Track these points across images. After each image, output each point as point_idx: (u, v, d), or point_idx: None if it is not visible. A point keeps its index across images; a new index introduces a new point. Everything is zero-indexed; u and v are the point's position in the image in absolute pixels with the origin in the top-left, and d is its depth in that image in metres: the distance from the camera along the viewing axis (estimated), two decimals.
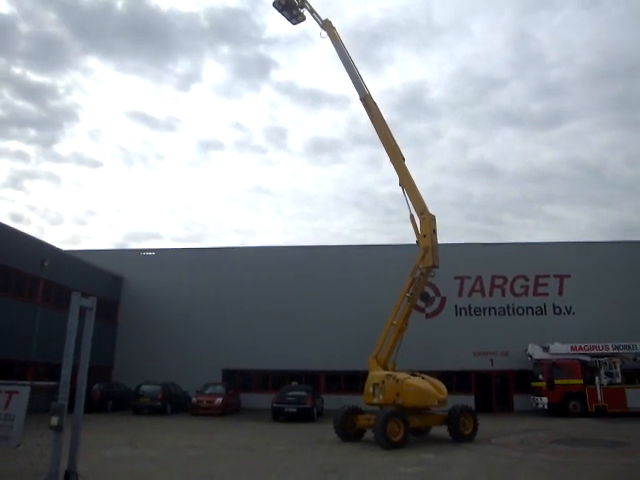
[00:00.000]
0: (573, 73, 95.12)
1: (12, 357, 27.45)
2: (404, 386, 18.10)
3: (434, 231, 20.14)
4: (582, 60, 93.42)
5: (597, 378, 29.19)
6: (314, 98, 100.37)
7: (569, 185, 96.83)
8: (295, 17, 25.77)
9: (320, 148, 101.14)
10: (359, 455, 15.67)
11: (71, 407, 8.10)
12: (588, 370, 29.75)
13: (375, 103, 22.81)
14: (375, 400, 18.85)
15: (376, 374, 19.24)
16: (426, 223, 20.20)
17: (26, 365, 28.36)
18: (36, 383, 8.24)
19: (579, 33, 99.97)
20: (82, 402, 8.47)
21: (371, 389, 19.09)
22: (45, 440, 8.02)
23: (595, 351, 30.29)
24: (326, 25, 24.53)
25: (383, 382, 18.59)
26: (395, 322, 19.85)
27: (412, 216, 20.86)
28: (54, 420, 7.71)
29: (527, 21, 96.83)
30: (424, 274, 20.16)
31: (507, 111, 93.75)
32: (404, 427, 17.08)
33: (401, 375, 18.61)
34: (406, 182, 21.11)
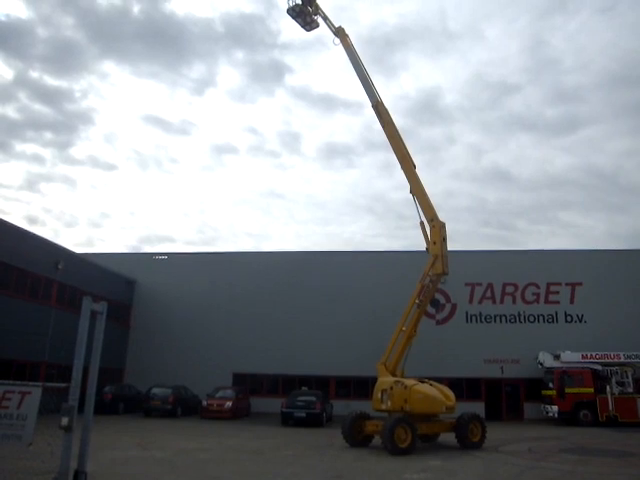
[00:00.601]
0: (588, 79, 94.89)
1: (26, 358, 27.78)
2: (412, 393, 18.14)
3: (444, 238, 20.19)
4: (597, 65, 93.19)
5: (608, 387, 29.06)
6: (328, 103, 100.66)
7: (584, 191, 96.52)
8: (309, 24, 26.05)
9: (334, 153, 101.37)
10: (366, 461, 15.76)
11: (82, 408, 8.26)
12: (599, 379, 29.62)
13: (387, 110, 22.91)
14: (383, 406, 18.89)
15: (384, 380, 19.30)
16: (436, 230, 20.25)
17: (39, 366, 28.67)
18: (48, 384, 8.38)
19: (595, 38, 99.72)
20: (92, 403, 8.63)
21: (379, 395, 19.15)
22: (56, 440, 8.18)
23: (606, 360, 30.15)
24: (339, 32, 24.74)
25: (391, 388, 18.65)
26: (404, 328, 19.91)
27: (422, 223, 20.90)
28: (64, 421, 7.86)
29: (542, 26, 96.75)
30: (433, 281, 20.20)
31: (521, 117, 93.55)
32: (412, 433, 17.11)
33: (409, 381, 18.65)
34: (417, 189, 21.18)
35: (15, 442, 8.03)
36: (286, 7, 25.54)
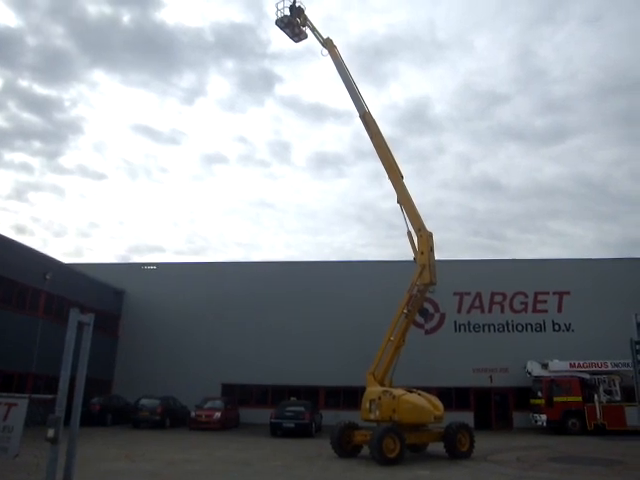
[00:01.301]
0: (577, 88, 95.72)
1: (13, 369, 27.62)
2: (400, 402, 18.16)
3: (431, 248, 20.32)
4: (586, 76, 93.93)
5: (596, 396, 29.19)
6: (318, 112, 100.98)
7: (573, 201, 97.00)
8: (297, 35, 26.21)
9: (324, 162, 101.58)
10: (355, 471, 15.74)
11: (69, 420, 8.23)
12: (587, 387, 29.79)
13: (374, 121, 23.04)
14: (371, 416, 18.88)
15: (373, 390, 19.31)
16: (423, 240, 20.38)
17: (26, 377, 28.49)
18: (34, 395, 8.35)
19: (582, 48, 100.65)
20: (78, 415, 8.60)
21: (368, 405, 19.15)
22: (42, 452, 8.15)
23: (594, 368, 30.31)
24: (327, 43, 24.88)
25: (379, 398, 18.65)
26: (392, 338, 19.97)
27: (410, 233, 21.01)
28: (50, 432, 7.83)
29: (530, 37, 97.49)
30: (421, 291, 20.29)
31: (510, 126, 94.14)
32: (400, 443, 17.11)
33: (397, 391, 18.68)
34: (404, 199, 21.31)
35: (1, 454, 8.01)
36: (275, 17, 25.75)
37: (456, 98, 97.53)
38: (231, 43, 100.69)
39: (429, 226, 20.72)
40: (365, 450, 18.36)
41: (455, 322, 35.91)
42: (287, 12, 25.46)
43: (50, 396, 8.24)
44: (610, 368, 30.12)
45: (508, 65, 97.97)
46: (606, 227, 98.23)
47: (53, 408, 8.00)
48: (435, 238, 20.64)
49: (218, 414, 29.76)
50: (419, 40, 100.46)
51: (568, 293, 35.65)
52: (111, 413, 30.78)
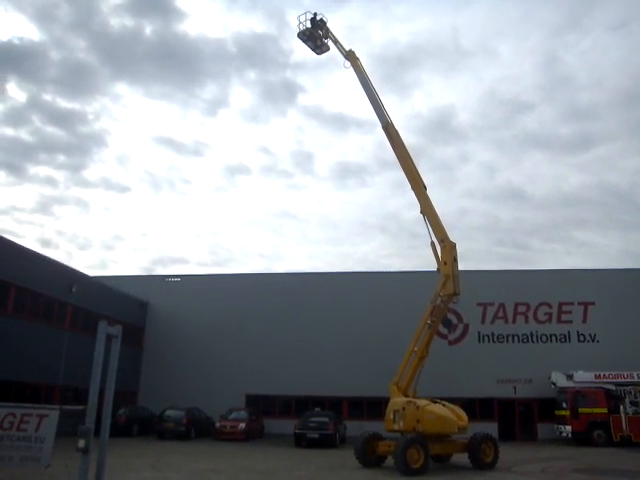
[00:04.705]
0: (602, 96, 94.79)
1: (40, 381, 27.95)
2: (424, 413, 18.21)
3: (455, 259, 20.34)
4: (611, 83, 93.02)
5: (622, 407, 28.86)
6: (341, 122, 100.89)
7: (599, 210, 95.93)
8: (319, 47, 26.34)
9: (346, 172, 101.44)
10: None
11: (98, 431, 8.40)
12: (613, 399, 29.41)
13: (397, 132, 23.13)
14: (395, 426, 18.95)
15: (397, 401, 19.37)
16: (447, 251, 20.40)
17: (54, 389, 28.82)
18: (65, 407, 8.55)
19: (608, 56, 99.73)
20: (108, 426, 8.77)
21: (391, 415, 19.22)
22: (72, 462, 8.31)
23: (620, 379, 29.98)
24: (350, 55, 25.00)
25: (403, 409, 18.72)
26: (416, 349, 20.00)
27: (433, 243, 21.05)
28: (81, 443, 8.00)
29: (555, 44, 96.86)
30: (445, 301, 20.31)
31: (535, 135, 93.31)
32: (424, 454, 17.15)
33: (421, 402, 18.72)
34: (427, 210, 21.37)
35: (33, 464, 8.21)
36: (297, 30, 25.96)
37: (480, 106, 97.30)
38: (253, 53, 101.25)
39: (453, 236, 20.77)
40: (389, 460, 18.41)
41: (479, 333, 35.75)
42: (309, 25, 25.61)
43: (80, 407, 8.41)
44: (636, 379, 29.77)
45: (533, 72, 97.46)
46: (632, 236, 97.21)
47: (83, 419, 8.17)
48: (459, 248, 20.68)
49: (243, 425, 29.87)
50: (442, 48, 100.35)
51: (593, 304, 35.34)
52: (137, 424, 31.01)
